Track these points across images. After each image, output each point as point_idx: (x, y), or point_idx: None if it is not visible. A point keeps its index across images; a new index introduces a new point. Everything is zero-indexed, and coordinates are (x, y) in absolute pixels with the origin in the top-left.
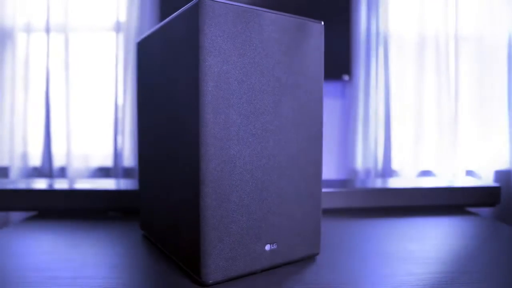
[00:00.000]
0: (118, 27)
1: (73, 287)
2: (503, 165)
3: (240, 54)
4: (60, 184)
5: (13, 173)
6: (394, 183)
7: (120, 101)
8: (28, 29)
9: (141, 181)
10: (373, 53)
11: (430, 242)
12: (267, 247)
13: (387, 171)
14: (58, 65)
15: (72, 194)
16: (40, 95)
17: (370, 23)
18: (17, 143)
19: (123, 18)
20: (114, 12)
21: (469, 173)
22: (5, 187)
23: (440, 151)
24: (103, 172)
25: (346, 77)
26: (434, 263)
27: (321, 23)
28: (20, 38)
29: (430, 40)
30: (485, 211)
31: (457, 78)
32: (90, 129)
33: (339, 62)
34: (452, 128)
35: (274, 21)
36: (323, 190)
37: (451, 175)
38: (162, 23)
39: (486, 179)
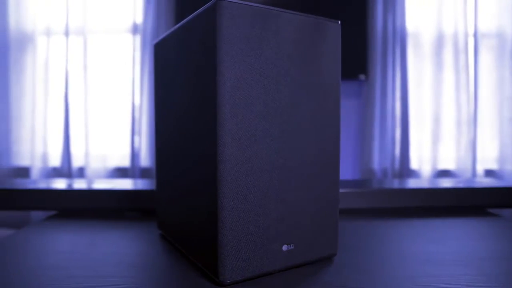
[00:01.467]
0: (135, 29)
1: (91, 285)
2: None
3: (257, 54)
4: (79, 184)
5: (34, 173)
6: (411, 183)
7: (137, 102)
8: (47, 33)
9: (158, 181)
10: (390, 51)
11: (450, 243)
12: (284, 248)
13: (405, 171)
14: (77, 67)
15: (91, 194)
16: (60, 97)
17: (387, 21)
18: (38, 144)
19: (139, 20)
20: (131, 15)
21: (489, 172)
22: (25, 187)
23: (459, 150)
24: (120, 172)
25: (362, 77)
26: (453, 265)
27: (338, 22)
28: (40, 42)
29: (449, 37)
30: (506, 212)
31: (477, 76)
32: (108, 130)
33: (356, 61)
34: (471, 127)
35: (290, 21)
36: (341, 190)
37: (470, 175)
38: (179, 24)
39: (508, 179)
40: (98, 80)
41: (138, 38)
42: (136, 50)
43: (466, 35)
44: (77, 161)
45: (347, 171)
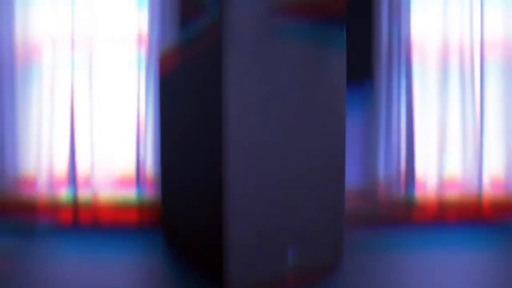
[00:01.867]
0: (140, 40)
1: None
2: None
3: (262, 74)
4: (85, 195)
5: (40, 184)
6: (417, 192)
7: (142, 110)
8: (53, 42)
9: (164, 191)
10: (395, 60)
11: (457, 254)
12: (290, 255)
13: (410, 180)
14: (82, 75)
15: (95, 204)
16: (66, 106)
17: (392, 29)
18: (44, 154)
19: (144, 31)
20: (136, 25)
21: (497, 183)
22: (31, 198)
23: (465, 160)
24: (126, 180)
25: (367, 85)
26: (462, 276)
27: (343, 49)
28: (46, 51)
29: (454, 45)
30: None
31: (483, 84)
32: (114, 139)
33: (360, 69)
34: (478, 136)
35: (295, 48)
36: (345, 197)
37: (477, 185)
38: (184, 35)
39: None
40: (104, 90)
41: (143, 48)
42: (141, 60)
43: (472, 42)
44: (83, 172)
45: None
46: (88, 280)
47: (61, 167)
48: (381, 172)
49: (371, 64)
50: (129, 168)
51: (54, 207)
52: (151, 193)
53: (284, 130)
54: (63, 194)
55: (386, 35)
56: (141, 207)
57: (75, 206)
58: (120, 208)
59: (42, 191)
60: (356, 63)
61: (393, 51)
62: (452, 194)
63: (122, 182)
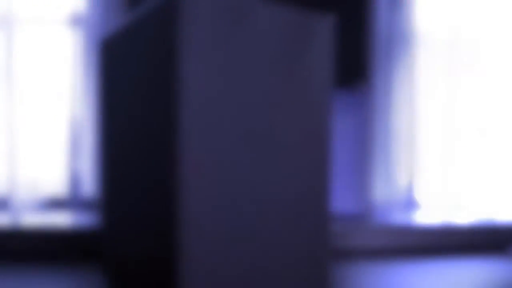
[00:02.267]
0: (75, 20)
1: None
2: None
3: (228, 60)
4: (1, 219)
5: None
6: (420, 218)
7: (79, 114)
8: None
9: (105, 217)
10: (395, 56)
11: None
12: None
13: (412, 204)
14: None
15: (16, 233)
16: None
17: (392, 20)
18: None
19: (81, 8)
20: (70, 0)
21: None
22: None
23: (477, 180)
24: (56, 203)
25: (361, 86)
26: None
27: (329, 17)
28: None
29: (464, 40)
30: None
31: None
32: (39, 149)
33: (353, 67)
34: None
35: (271, 17)
36: (333, 226)
37: (490, 210)
38: (131, 18)
39: None
40: (27, 84)
41: (79, 32)
42: (77, 47)
43: (485, 36)
44: None
45: (342, 203)
46: None
47: None
48: (377, 194)
49: (365, 63)
50: (60, 185)
51: None
52: (88, 219)
53: (256, 140)
54: None
55: (384, 28)
56: (75, 237)
57: None
58: (47, 237)
59: None
60: (347, 62)
61: (393, 47)
62: (461, 219)
63: (51, 204)
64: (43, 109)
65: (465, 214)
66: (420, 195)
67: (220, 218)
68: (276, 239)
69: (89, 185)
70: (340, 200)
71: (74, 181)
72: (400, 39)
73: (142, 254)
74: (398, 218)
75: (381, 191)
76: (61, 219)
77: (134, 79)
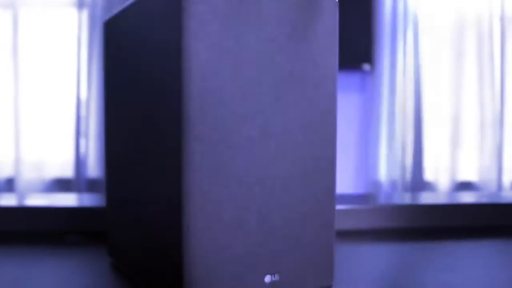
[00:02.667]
0: (80, 2)
1: None
2: None
3: (234, 37)
4: (7, 200)
5: None
6: (426, 198)
7: (84, 95)
8: None
9: (109, 197)
10: (400, 37)
11: (471, 272)
12: (267, 279)
13: (418, 183)
14: (4, 50)
15: (22, 212)
16: None
17: (397, 1)
18: None
19: None
20: None
21: None
22: None
23: (482, 158)
24: (61, 184)
25: (366, 67)
26: None
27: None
28: None
29: (471, 21)
30: None
31: (504, 69)
32: (45, 131)
33: (358, 48)
34: (497, 129)
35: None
36: (338, 207)
37: (496, 188)
38: None
39: None
40: (33, 66)
41: (84, 14)
42: (82, 30)
43: (491, 18)
44: (4, 171)
45: (347, 183)
46: None
47: None
48: (382, 174)
49: (371, 44)
50: (66, 167)
51: None
52: (92, 199)
53: (262, 120)
54: None
55: (389, 8)
56: (79, 217)
57: None
58: (53, 217)
59: None
60: (352, 43)
61: (398, 27)
62: (467, 200)
63: (56, 184)
64: (49, 90)
65: (472, 192)
66: (426, 174)
67: (227, 197)
68: (282, 220)
69: (95, 166)
70: (346, 180)
71: (79, 162)
72: (404, 20)
73: (146, 232)
74: (404, 198)
75: (386, 171)
76: (66, 200)
77: (138, 58)
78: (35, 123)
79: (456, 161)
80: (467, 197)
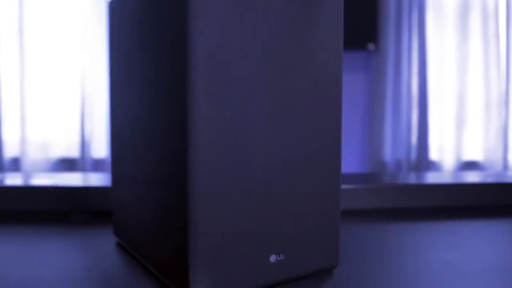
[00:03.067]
0: None
1: None
2: None
3: (239, 17)
4: (13, 180)
5: None
6: (431, 177)
7: (89, 75)
8: None
9: (114, 176)
10: (405, 16)
11: (475, 251)
12: (273, 259)
13: (423, 163)
14: (9, 29)
15: (27, 192)
16: None
17: None
18: None
19: None
20: None
21: None
22: None
23: (488, 138)
24: (66, 164)
25: (371, 46)
26: (479, 278)
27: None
28: None
29: (476, 1)
30: None
31: (509, 48)
32: (50, 111)
33: (363, 27)
34: (502, 109)
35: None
36: (343, 187)
37: (501, 167)
38: None
39: None
40: (38, 46)
41: None
42: (88, 8)
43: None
44: (10, 150)
45: (352, 162)
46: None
47: None
48: (388, 153)
49: (376, 23)
50: (71, 146)
51: None
52: (98, 178)
53: (268, 100)
54: None
55: None
56: (84, 196)
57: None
58: (58, 196)
59: None
60: (357, 23)
61: (403, 6)
62: (472, 179)
63: (62, 164)
64: (54, 71)
65: (477, 172)
66: (431, 154)
67: (232, 175)
68: (287, 199)
69: (100, 145)
70: (350, 160)
71: (84, 142)
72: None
73: (151, 212)
74: (409, 177)
75: (391, 151)
76: (72, 180)
77: (143, 37)
78: (40, 104)
79: (461, 141)
80: (472, 177)
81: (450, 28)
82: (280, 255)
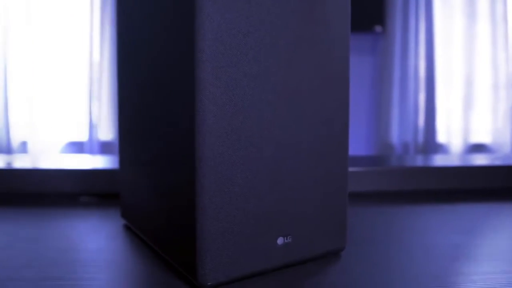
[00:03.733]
0: None
1: None
2: None
3: (247, 0)
4: (21, 162)
5: None
6: (438, 160)
7: (96, 58)
8: None
9: (122, 158)
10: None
11: (483, 234)
12: (280, 241)
13: (430, 145)
14: (18, 13)
15: (36, 174)
16: None
17: None
18: None
19: None
20: None
21: None
22: None
23: (496, 120)
24: (74, 146)
25: (378, 28)
26: (487, 261)
27: None
28: None
29: None
30: None
31: None
32: (58, 94)
33: (370, 9)
34: (510, 91)
35: None
36: (350, 169)
37: (509, 150)
38: None
39: None
40: (45, 29)
41: None
42: None
43: None
44: (18, 133)
45: (359, 145)
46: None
47: None
48: (395, 136)
49: (383, 5)
50: (79, 130)
51: None
52: (105, 161)
53: (275, 83)
54: None
55: None
56: (92, 179)
57: (8, 176)
58: (67, 179)
59: None
60: (364, 5)
61: None
62: (480, 162)
63: (70, 147)
64: (62, 54)
65: (485, 154)
66: (438, 136)
67: (240, 157)
68: (294, 182)
69: (107, 128)
70: (358, 142)
71: (92, 125)
72: None
73: (159, 194)
74: (416, 160)
75: (398, 133)
76: (80, 162)
77: (151, 21)
78: (48, 86)
79: (469, 123)
80: (480, 159)
81: (458, 9)
82: (288, 238)
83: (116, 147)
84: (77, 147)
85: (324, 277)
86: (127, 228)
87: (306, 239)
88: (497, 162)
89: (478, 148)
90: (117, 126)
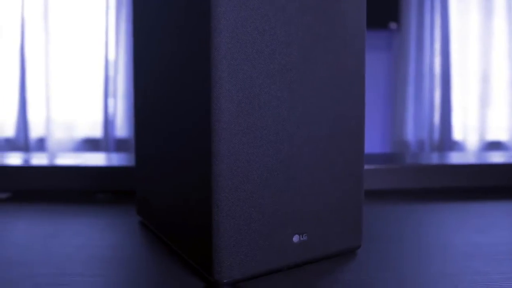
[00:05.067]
0: None
1: (55, 286)
2: None
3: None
4: (38, 160)
5: None
6: (454, 157)
7: (112, 56)
8: None
9: (138, 156)
10: None
11: (502, 233)
12: (296, 239)
13: (446, 143)
14: (35, 12)
15: (53, 171)
16: (14, 50)
17: None
18: None
19: None
20: None
21: None
22: None
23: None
24: (90, 144)
25: (393, 25)
26: (506, 260)
27: None
28: None
29: None
30: None
31: None
32: (74, 91)
33: (385, 6)
34: None
35: None
36: (365, 167)
37: None
38: None
39: None
40: (62, 28)
41: None
42: None
43: None
44: (35, 131)
45: (374, 143)
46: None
47: (8, 126)
48: (410, 133)
49: (398, 2)
50: (95, 126)
51: None
52: (121, 158)
53: (291, 78)
54: (10, 159)
55: None
56: (108, 176)
57: (25, 173)
58: (83, 176)
59: None
60: (379, 1)
61: None
62: (497, 159)
63: (86, 144)
64: (78, 52)
65: (501, 152)
66: (454, 134)
67: (256, 155)
68: (310, 180)
69: (123, 125)
70: (373, 140)
71: (108, 122)
72: None
73: (175, 191)
74: (432, 157)
75: (414, 131)
76: (96, 159)
77: (167, 18)
78: (65, 84)
79: (485, 121)
80: (496, 157)
81: (474, 5)
82: (303, 236)
83: (132, 144)
84: (93, 144)
85: (340, 275)
86: (142, 225)
87: (321, 237)
88: None
89: (495, 145)
90: (134, 124)
